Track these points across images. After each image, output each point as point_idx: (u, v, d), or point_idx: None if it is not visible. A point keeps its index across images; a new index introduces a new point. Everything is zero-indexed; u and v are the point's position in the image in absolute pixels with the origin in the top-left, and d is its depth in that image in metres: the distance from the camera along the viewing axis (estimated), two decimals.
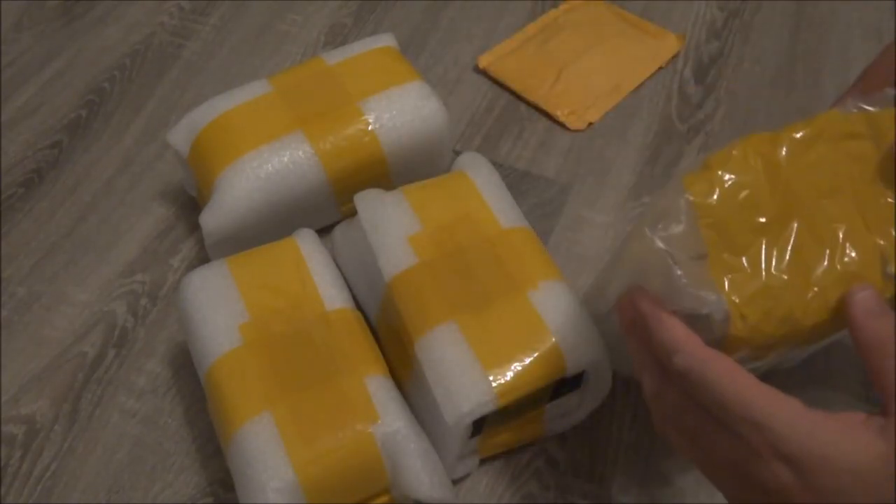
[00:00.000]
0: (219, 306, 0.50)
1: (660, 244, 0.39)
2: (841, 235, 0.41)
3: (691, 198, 0.40)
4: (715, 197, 0.40)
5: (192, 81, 0.74)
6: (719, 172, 0.40)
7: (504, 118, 0.70)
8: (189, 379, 0.55)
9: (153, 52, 0.77)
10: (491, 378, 0.46)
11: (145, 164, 0.68)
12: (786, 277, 0.40)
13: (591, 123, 0.69)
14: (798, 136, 0.42)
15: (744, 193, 0.40)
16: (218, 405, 0.48)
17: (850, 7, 0.77)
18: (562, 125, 0.69)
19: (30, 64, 0.76)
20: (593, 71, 0.72)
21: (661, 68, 0.73)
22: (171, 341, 0.58)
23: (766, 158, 0.41)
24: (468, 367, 0.47)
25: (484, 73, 0.73)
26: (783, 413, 0.34)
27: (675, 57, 0.74)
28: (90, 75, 0.75)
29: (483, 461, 0.51)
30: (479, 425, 0.47)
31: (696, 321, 0.39)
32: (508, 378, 0.46)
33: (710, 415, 0.36)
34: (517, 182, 0.65)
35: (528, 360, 0.47)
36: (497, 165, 0.58)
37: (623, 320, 0.41)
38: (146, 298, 0.60)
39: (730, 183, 0.40)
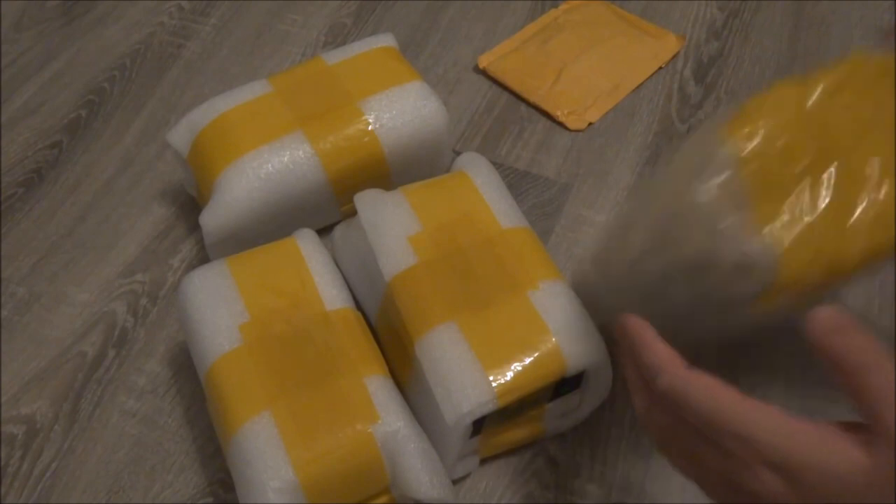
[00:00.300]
0: (219, 306, 0.50)
1: (702, 198, 0.38)
2: (877, 173, 0.40)
3: (731, 148, 0.39)
4: (754, 144, 0.39)
5: (192, 81, 0.74)
6: (757, 119, 0.40)
7: (504, 118, 0.70)
8: (189, 379, 0.55)
9: (153, 52, 0.77)
10: (491, 378, 0.46)
11: (145, 164, 0.68)
12: (827, 221, 0.39)
13: (591, 123, 0.69)
14: (829, 79, 0.41)
15: (782, 139, 0.40)
16: (218, 405, 0.48)
17: (850, 7, 0.77)
18: (562, 125, 0.69)
19: (30, 64, 0.76)
20: (593, 71, 0.72)
21: (661, 68, 0.73)
22: (171, 341, 0.58)
23: (799, 102, 0.41)
24: (468, 367, 0.47)
25: (484, 73, 0.73)
26: (764, 422, 0.34)
27: (675, 57, 0.74)
28: (90, 75, 0.75)
29: (483, 461, 0.51)
30: (479, 425, 0.47)
31: (738, 276, 0.39)
32: (508, 378, 0.46)
33: (698, 432, 0.36)
34: (517, 182, 0.65)
35: (528, 360, 0.47)
36: (497, 165, 0.58)
37: (620, 344, 0.41)
38: (146, 298, 0.60)
39: (768, 129, 0.40)
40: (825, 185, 0.40)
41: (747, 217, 0.39)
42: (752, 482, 0.34)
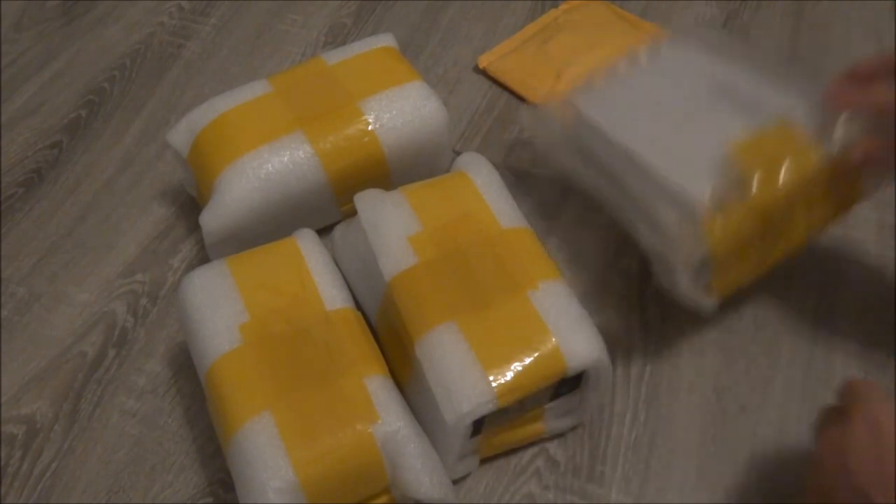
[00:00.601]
0: (219, 306, 0.50)
1: (679, 281, 0.49)
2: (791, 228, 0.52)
3: (707, 242, 0.48)
4: (724, 240, 0.49)
5: (192, 81, 0.74)
6: (730, 221, 0.48)
7: (504, 118, 0.70)
8: (189, 379, 0.55)
9: (153, 52, 0.77)
10: (491, 378, 0.46)
11: (145, 164, 0.68)
12: (753, 265, 0.52)
13: None
14: (790, 178, 0.49)
15: (745, 229, 0.49)
16: (218, 405, 0.48)
17: (850, 7, 0.77)
18: None
19: (30, 64, 0.76)
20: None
21: None
22: (171, 341, 0.58)
23: (763, 206, 0.49)
24: (468, 367, 0.47)
25: (484, 73, 0.73)
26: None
27: None
28: (90, 75, 0.75)
29: (483, 461, 0.51)
30: (479, 425, 0.47)
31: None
32: (508, 378, 0.46)
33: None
34: (517, 182, 0.65)
35: (528, 361, 0.47)
36: (497, 165, 0.58)
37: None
38: (146, 298, 0.60)
39: (737, 223, 0.49)
40: (762, 250, 0.51)
41: (706, 282, 0.50)
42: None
